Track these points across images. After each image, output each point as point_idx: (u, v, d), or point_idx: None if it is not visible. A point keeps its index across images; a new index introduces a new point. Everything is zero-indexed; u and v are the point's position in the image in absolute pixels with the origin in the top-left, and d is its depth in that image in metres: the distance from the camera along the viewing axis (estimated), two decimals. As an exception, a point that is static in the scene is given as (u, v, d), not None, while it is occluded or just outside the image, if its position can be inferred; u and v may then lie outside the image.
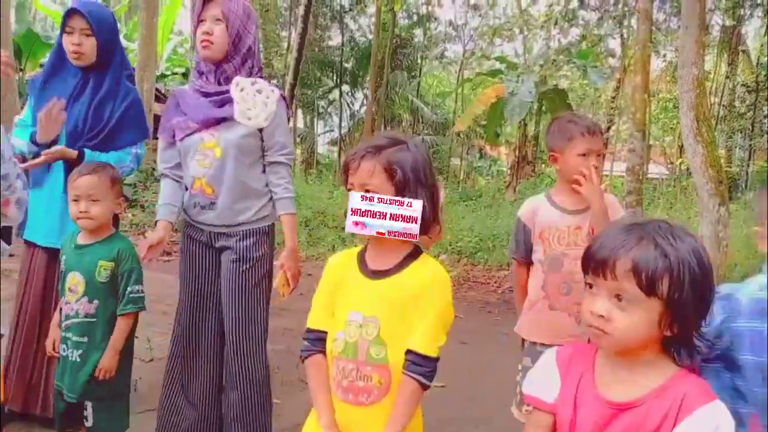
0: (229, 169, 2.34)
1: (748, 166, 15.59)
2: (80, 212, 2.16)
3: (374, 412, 1.46)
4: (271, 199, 2.47)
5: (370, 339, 1.47)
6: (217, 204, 2.39)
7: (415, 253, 1.54)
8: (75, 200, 2.17)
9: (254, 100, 2.35)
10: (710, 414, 1.09)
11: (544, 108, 14.37)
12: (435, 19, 20.57)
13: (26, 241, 2.78)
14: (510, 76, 11.92)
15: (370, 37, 20.51)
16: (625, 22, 14.82)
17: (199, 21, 2.34)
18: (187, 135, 2.37)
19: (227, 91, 2.35)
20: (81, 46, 2.63)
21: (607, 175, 22.04)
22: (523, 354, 2.28)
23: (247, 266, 2.42)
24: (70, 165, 2.57)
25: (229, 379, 2.47)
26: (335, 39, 21.94)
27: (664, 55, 16.04)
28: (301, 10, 12.76)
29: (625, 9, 14.62)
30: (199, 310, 2.52)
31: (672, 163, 15.78)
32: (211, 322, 2.51)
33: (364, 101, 22.46)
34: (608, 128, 21.12)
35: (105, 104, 2.70)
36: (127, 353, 2.24)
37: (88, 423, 2.19)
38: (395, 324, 1.47)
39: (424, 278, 1.49)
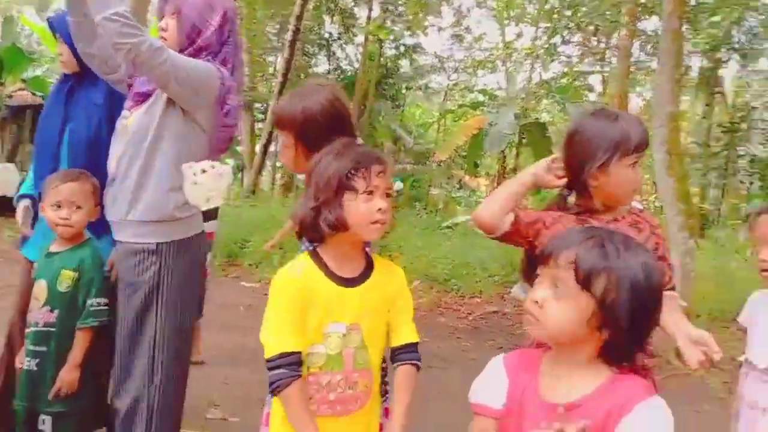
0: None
1: (720, 203, 15.89)
2: (61, 218, 2.16)
3: (360, 417, 1.52)
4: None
5: (354, 347, 1.50)
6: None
7: (367, 254, 1.60)
8: (57, 206, 2.17)
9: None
10: (649, 410, 1.11)
11: (524, 141, 14.58)
12: (421, 50, 20.86)
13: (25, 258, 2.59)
14: (491, 108, 12.12)
15: (357, 65, 20.73)
16: (607, 58, 15.17)
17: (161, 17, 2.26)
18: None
19: None
20: (62, 55, 2.56)
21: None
22: None
23: (129, 291, 2.09)
24: None
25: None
26: (322, 66, 22.14)
27: (642, 94, 16.42)
28: (288, 36, 12.92)
29: (607, 47, 14.99)
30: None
31: (646, 199, 16.03)
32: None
33: (348, 128, 22.53)
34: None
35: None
36: (93, 369, 2.19)
37: (45, 437, 2.15)
38: (377, 327, 1.54)
39: (396, 278, 1.59)
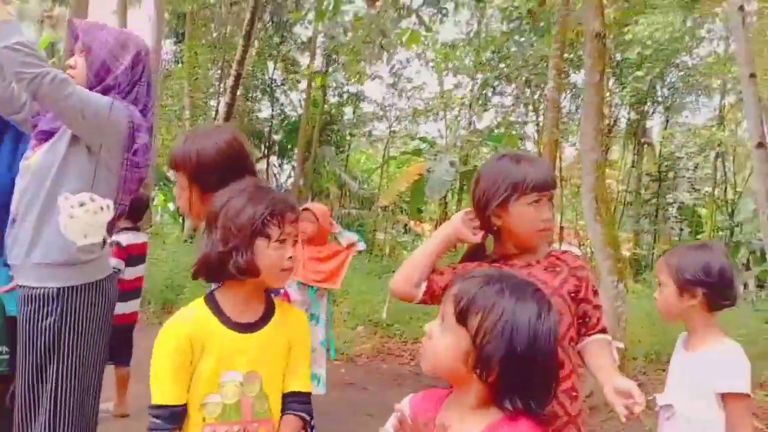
0: None
1: (653, 249, 16.52)
2: None
3: None
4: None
5: (253, 395, 1.45)
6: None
7: (268, 297, 1.57)
8: None
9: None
10: None
11: (465, 187, 14.91)
12: (364, 98, 21.23)
13: None
14: (430, 155, 12.41)
15: (300, 111, 20.87)
16: (540, 109, 15.80)
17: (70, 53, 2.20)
18: None
19: None
20: None
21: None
22: None
23: (28, 340, 1.95)
24: None
25: None
26: (265, 111, 22.18)
27: (574, 144, 17.09)
28: (230, 81, 12.94)
29: (539, 97, 15.64)
30: None
31: (583, 244, 16.57)
32: None
33: (292, 173, 22.58)
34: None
35: None
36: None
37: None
38: (276, 374, 1.49)
39: (296, 324, 1.56)
